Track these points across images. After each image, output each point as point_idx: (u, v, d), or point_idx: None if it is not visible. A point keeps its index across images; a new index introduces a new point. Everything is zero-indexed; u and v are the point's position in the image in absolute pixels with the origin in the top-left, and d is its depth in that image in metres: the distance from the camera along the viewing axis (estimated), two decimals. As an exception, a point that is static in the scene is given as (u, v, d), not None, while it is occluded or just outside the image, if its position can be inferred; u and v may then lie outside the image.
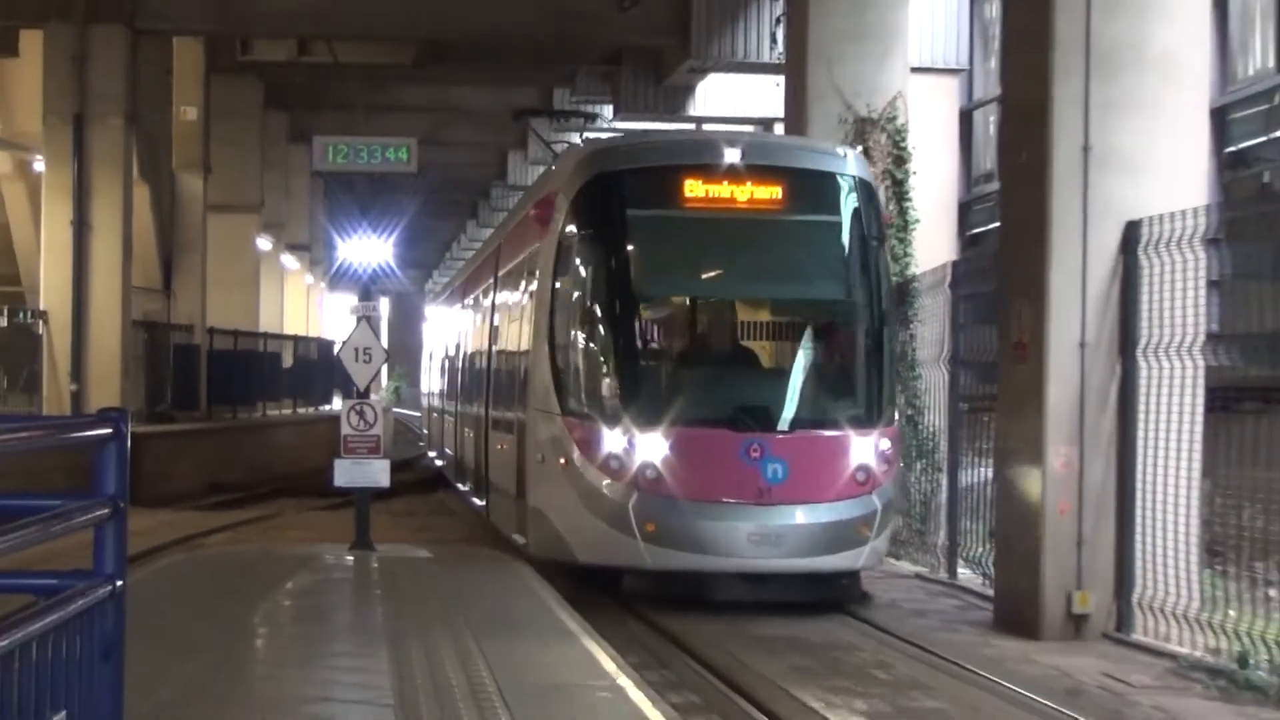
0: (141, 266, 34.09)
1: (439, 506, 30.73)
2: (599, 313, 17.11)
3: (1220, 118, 18.56)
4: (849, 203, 17.47)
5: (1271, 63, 18.46)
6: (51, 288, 31.31)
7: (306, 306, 62.93)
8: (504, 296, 23.06)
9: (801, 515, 16.08)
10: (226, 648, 12.39)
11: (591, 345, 17.15)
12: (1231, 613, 12.78)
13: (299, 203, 55.80)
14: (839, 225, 17.56)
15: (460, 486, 29.33)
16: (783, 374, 17.50)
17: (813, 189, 17.71)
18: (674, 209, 17.28)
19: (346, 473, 18.68)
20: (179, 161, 37.94)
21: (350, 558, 18.36)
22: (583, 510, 16.39)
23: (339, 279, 62.44)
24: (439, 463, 36.97)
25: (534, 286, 18.34)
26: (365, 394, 19.00)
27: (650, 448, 16.09)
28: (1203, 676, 12.53)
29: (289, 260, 56.60)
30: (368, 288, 24.15)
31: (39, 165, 33.00)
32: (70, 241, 30.94)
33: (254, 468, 38.05)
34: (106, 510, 4.80)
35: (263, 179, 46.47)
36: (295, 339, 52.12)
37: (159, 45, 34.66)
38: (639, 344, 17.63)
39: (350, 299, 41.57)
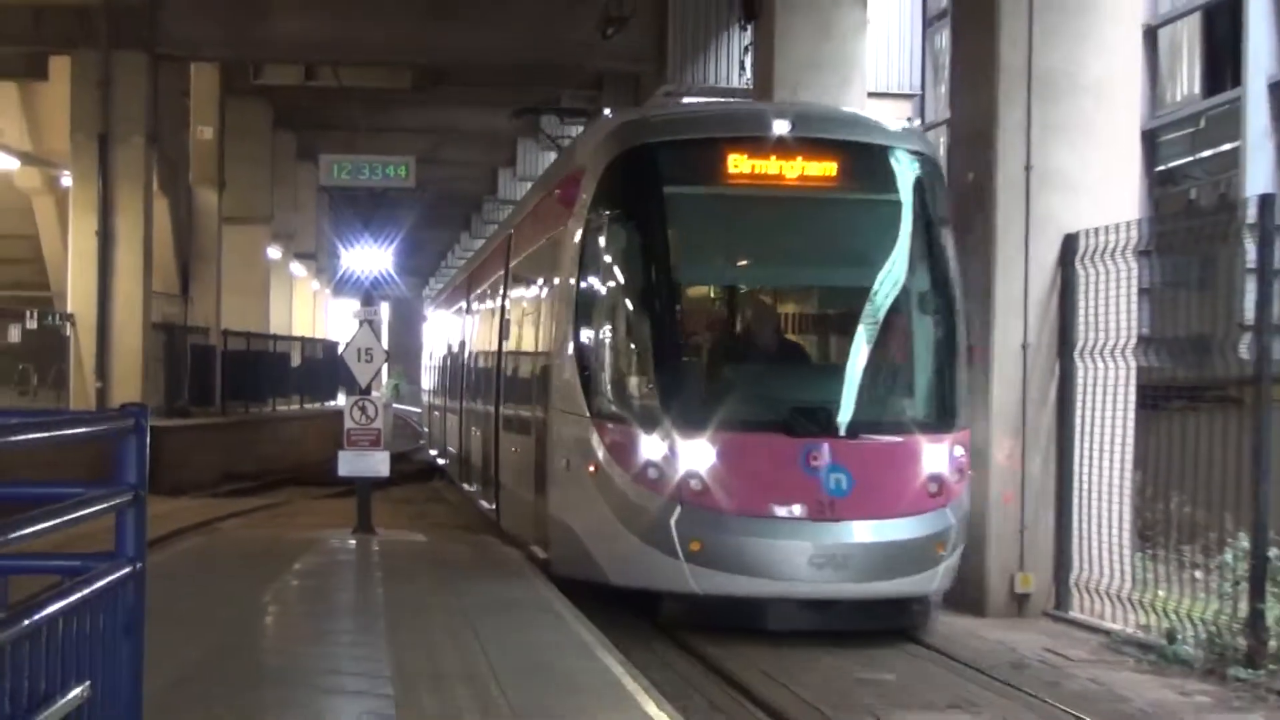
0: (161, 273, 34.01)
1: (434, 495, 30.68)
2: (633, 302, 14.28)
3: (1151, 140, 18.59)
4: (912, 180, 14.41)
5: (1197, 89, 18.51)
6: (78, 293, 31.25)
7: (313, 310, 62.89)
8: (518, 288, 19.85)
9: (869, 533, 13.17)
10: (240, 623, 12.37)
11: (624, 339, 14.38)
12: (1160, 593, 12.82)
13: (306, 215, 55.71)
14: (902, 204, 14.36)
15: (466, 487, 26.52)
16: (843, 371, 14.25)
17: (872, 164, 14.60)
18: (717, 186, 14.38)
19: (350, 463, 18.68)
20: (196, 177, 37.87)
21: (353, 541, 18.34)
22: (615, 525, 13.58)
23: (343, 285, 62.45)
24: (441, 461, 34.99)
25: (555, 275, 15.40)
26: (367, 391, 18.98)
27: (694, 455, 13.23)
28: (1134, 651, 12.56)
29: (297, 268, 56.54)
30: (369, 293, 24.21)
31: (66, 180, 32.92)
32: (95, 250, 30.89)
33: (264, 459, 37.99)
34: (128, 497, 4.79)
35: (273, 193, 46.43)
36: (303, 340, 52.05)
37: (177, 70, 34.57)
38: (679, 337, 14.44)
39: (353, 304, 41.54)
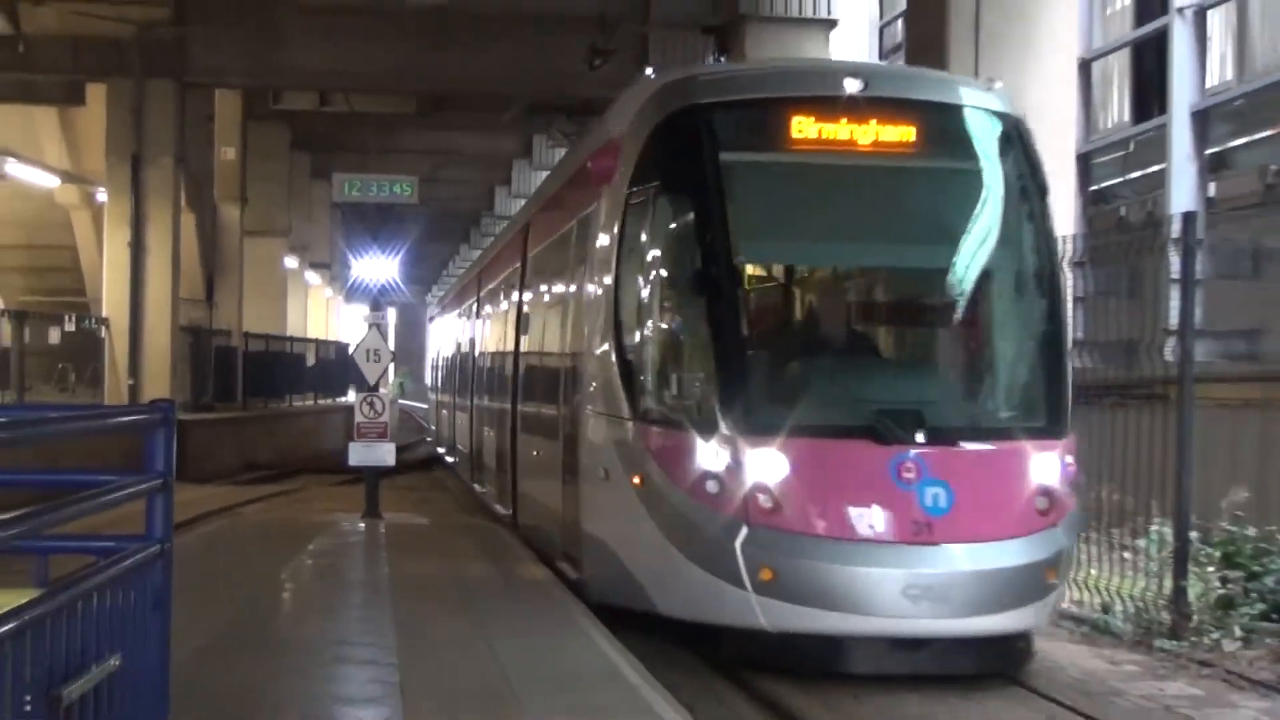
0: (188, 281, 33.96)
1: (436, 483, 30.65)
2: (686, 287, 11.17)
3: (1085, 162, 18.70)
4: (1007, 146, 11.54)
5: (1126, 117, 18.59)
6: (112, 299, 31.19)
7: (326, 315, 62.88)
8: (538, 279, 16.75)
9: (973, 558, 10.13)
10: (259, 598, 12.35)
11: (676, 329, 11.43)
12: (1093, 571, 12.83)
13: (320, 228, 55.65)
14: (996, 174, 11.53)
15: (478, 488, 23.45)
16: (936, 366, 11.88)
17: (960, 129, 11.60)
18: (782, 153, 11.28)
19: (359, 453, 18.65)
20: (220, 194, 37.82)
21: (362, 525, 18.31)
22: (666, 547, 10.56)
23: (353, 292, 62.26)
24: (450, 459, 32.48)
25: (587, 260, 12.43)
26: (375, 388, 18.97)
27: (764, 465, 10.20)
28: (1070, 625, 12.56)
29: (312, 276, 56.47)
30: (377, 299, 24.12)
31: (102, 197, 32.86)
32: (128, 260, 30.83)
33: (282, 450, 37.94)
34: (156, 484, 4.78)
35: (290, 208, 46.36)
36: (316, 342, 51.98)
37: (203, 96, 34.52)
38: (743, 326, 11.13)
39: (363, 309, 41.47)
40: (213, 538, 17.32)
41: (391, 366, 20.95)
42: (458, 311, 31.15)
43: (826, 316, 12.10)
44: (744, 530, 10.18)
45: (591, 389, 11.91)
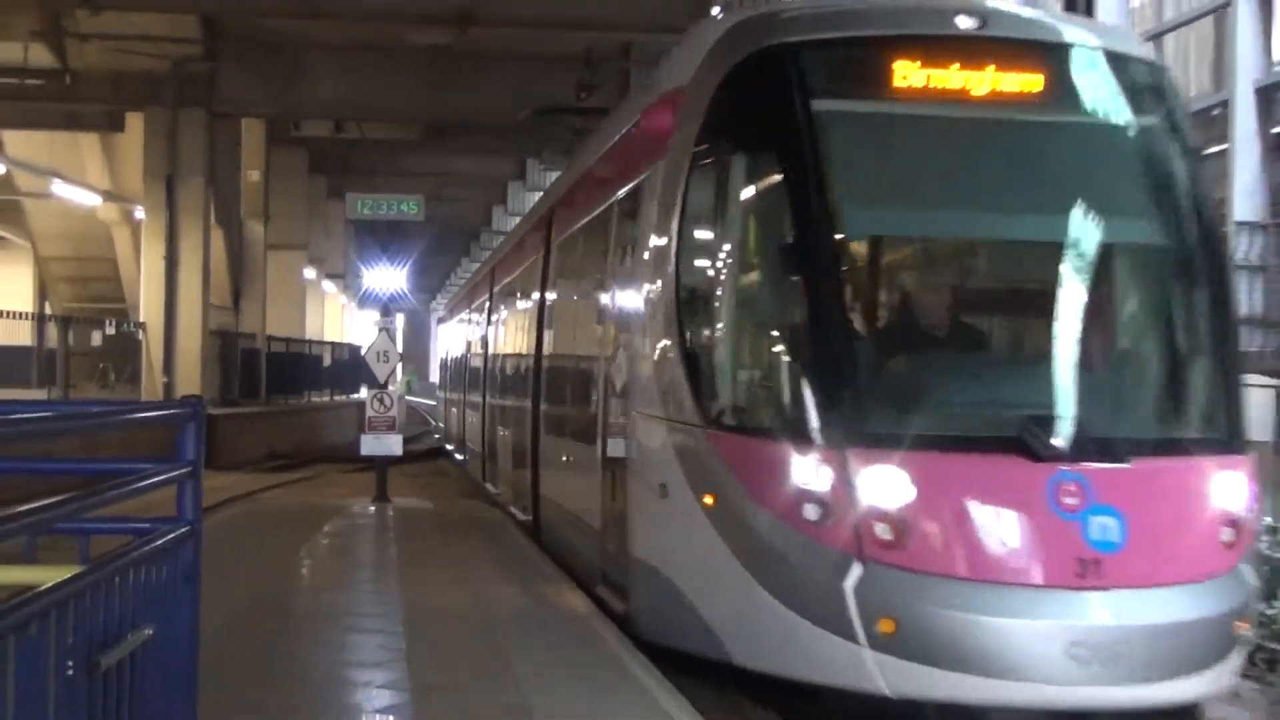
0: (217, 289, 33.86)
1: (439, 471, 30.59)
2: (775, 264, 8.14)
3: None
4: (1154, 100, 8.57)
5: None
6: (149, 306, 31.10)
7: (340, 320, 62.75)
8: (567, 266, 13.61)
9: (1153, 607, 7.13)
10: (278, 574, 12.32)
11: (763, 315, 8.25)
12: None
13: (335, 243, 55.53)
14: (1146, 132, 8.57)
15: (491, 488, 20.67)
16: (1093, 363, 8.13)
17: (1099, 76, 8.44)
18: (888, 102, 8.21)
19: (370, 444, 18.64)
20: (245, 211, 37.69)
21: (372, 508, 18.28)
22: (749, 585, 7.62)
23: (365, 300, 62.26)
24: (459, 456, 29.62)
25: (636, 240, 9.36)
26: (384, 385, 18.94)
27: (882, 485, 7.25)
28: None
29: (328, 285, 56.37)
30: (386, 306, 24.08)
31: (139, 214, 32.76)
32: (163, 271, 30.75)
33: (300, 441, 37.80)
34: (187, 471, 4.78)
35: (308, 225, 46.27)
36: (332, 344, 51.87)
37: (231, 124, 34.41)
38: (853, 310, 8.15)
39: (373, 315, 41.39)
40: (238, 519, 17.28)
41: (399, 366, 20.92)
42: (469, 310, 28.00)
43: (956, 301, 8.61)
44: (857, 568, 7.15)
45: (643, 387, 8.88)
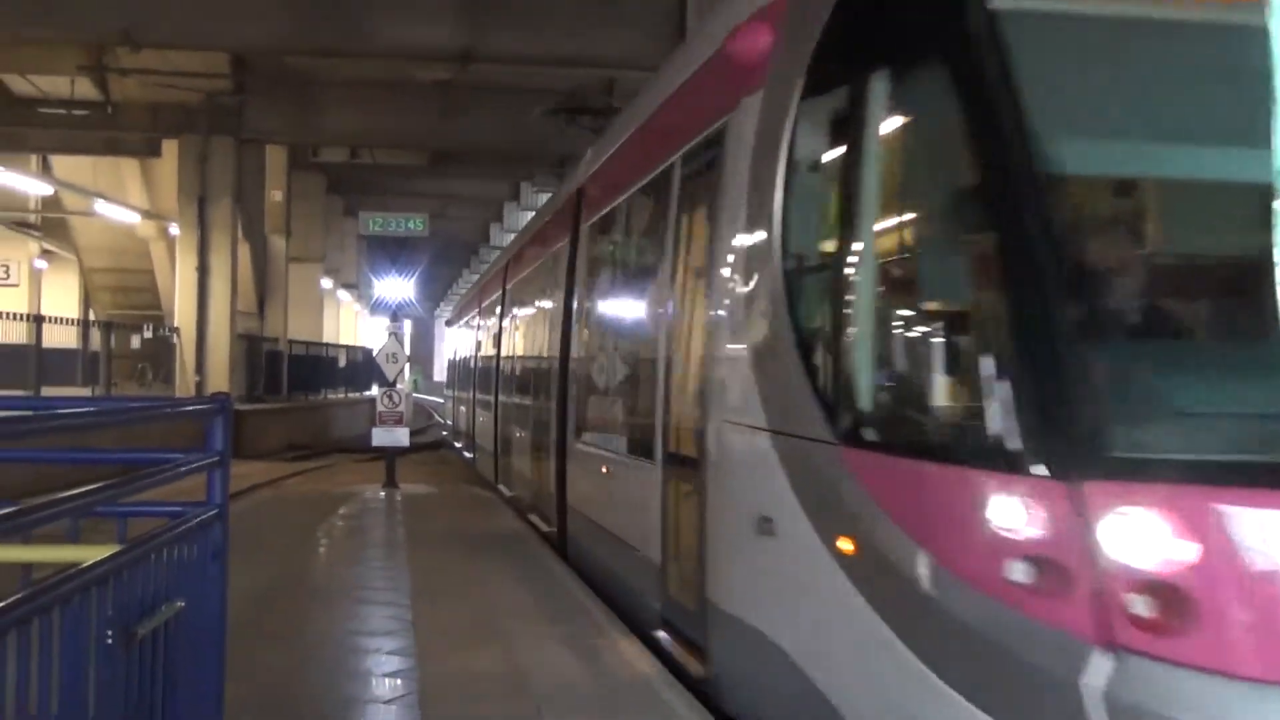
0: (243, 298, 33.76)
1: (442, 460, 30.56)
2: (948, 218, 4.45)
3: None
4: None
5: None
6: (182, 312, 31.08)
7: (354, 325, 62.62)
8: (601, 250, 10.54)
9: None
10: (298, 552, 12.30)
11: (929, 287, 4.44)
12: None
13: (349, 256, 55.42)
14: None
15: (505, 490, 17.41)
16: None
17: None
18: (1091, 2, 4.47)
19: (380, 437, 18.62)
20: (269, 228, 37.53)
21: (383, 493, 18.26)
22: (920, 675, 4.10)
23: (376, 307, 62.19)
24: (467, 454, 26.41)
25: (712, 199, 6.38)
26: (393, 384, 18.92)
27: (1145, 535, 3.59)
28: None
29: (343, 294, 56.27)
30: (395, 313, 24.15)
31: (174, 230, 32.71)
32: (195, 282, 30.74)
33: (318, 434, 37.74)
34: (215, 460, 4.76)
35: (325, 240, 46.18)
36: (346, 347, 51.77)
37: (256, 150, 34.27)
38: (1084, 281, 4.13)
39: (384, 321, 41.35)
40: (261, 504, 17.25)
41: (407, 366, 20.89)
42: (479, 309, 24.33)
43: (1225, 273, 4.57)
44: (1105, 663, 3.69)
45: (734, 389, 5.89)
